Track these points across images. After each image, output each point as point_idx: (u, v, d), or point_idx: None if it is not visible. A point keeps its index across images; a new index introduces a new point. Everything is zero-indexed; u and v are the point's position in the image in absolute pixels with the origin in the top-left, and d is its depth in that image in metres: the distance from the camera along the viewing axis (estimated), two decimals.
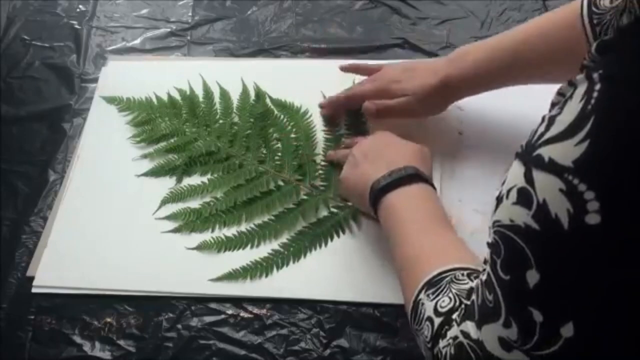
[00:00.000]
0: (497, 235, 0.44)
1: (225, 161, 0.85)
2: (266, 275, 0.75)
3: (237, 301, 0.74)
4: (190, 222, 0.80)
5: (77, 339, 0.73)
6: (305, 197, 0.81)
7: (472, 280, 0.54)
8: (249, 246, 0.78)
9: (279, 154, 0.85)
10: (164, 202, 0.82)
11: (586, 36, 0.66)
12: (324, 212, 0.79)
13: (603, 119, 0.37)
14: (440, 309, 0.53)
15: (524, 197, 0.41)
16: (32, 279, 0.77)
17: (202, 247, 0.78)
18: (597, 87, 0.38)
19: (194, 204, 0.82)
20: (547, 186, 0.39)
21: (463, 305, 0.52)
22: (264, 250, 0.77)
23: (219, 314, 0.74)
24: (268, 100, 0.90)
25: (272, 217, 0.79)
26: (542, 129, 0.41)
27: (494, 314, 0.46)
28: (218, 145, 0.87)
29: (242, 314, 0.73)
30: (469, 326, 0.49)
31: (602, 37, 0.47)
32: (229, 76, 0.93)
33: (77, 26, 1.05)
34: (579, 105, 0.38)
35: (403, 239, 0.63)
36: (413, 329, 0.57)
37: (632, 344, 0.42)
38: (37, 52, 1.02)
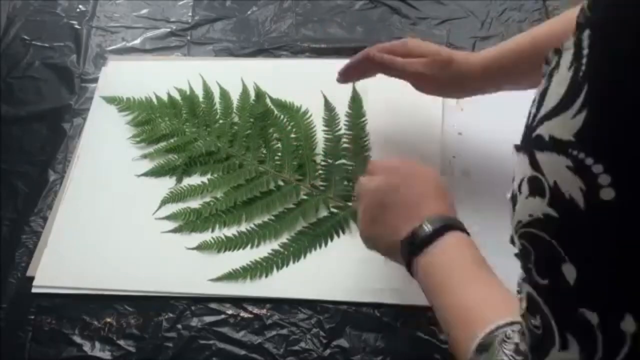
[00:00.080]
0: (522, 239, 0.40)
1: (225, 161, 0.85)
2: (266, 275, 0.75)
3: (237, 301, 0.74)
4: (190, 222, 0.80)
5: (77, 339, 0.73)
6: (305, 197, 0.81)
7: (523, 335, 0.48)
8: (249, 246, 0.78)
9: (279, 154, 0.85)
10: (164, 202, 0.82)
11: None
12: (324, 212, 0.79)
13: (597, 81, 0.34)
14: None
15: (535, 186, 0.38)
16: (32, 279, 0.77)
17: (202, 247, 0.78)
18: (586, 44, 0.35)
19: (194, 204, 0.82)
20: (554, 166, 0.36)
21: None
22: (264, 250, 0.77)
23: (219, 314, 0.74)
24: (268, 100, 0.90)
25: (272, 217, 0.79)
26: (534, 109, 0.39)
27: (547, 340, 0.40)
28: (218, 145, 0.87)
29: (242, 314, 0.73)
30: None
31: None
32: (229, 76, 0.93)
33: (77, 26, 1.05)
34: (568, 74, 0.35)
35: (447, 293, 0.58)
36: None
37: None
38: (37, 52, 1.02)
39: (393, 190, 0.64)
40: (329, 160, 0.84)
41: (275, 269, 0.76)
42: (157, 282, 0.76)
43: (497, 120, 0.85)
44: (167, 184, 0.84)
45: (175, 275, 0.76)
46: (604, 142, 0.34)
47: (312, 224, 0.78)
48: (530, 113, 0.39)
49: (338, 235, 0.77)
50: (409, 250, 0.60)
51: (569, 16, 0.70)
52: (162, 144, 0.88)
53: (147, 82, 0.95)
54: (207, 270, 0.76)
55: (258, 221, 0.79)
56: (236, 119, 0.89)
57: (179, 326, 0.73)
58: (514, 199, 0.41)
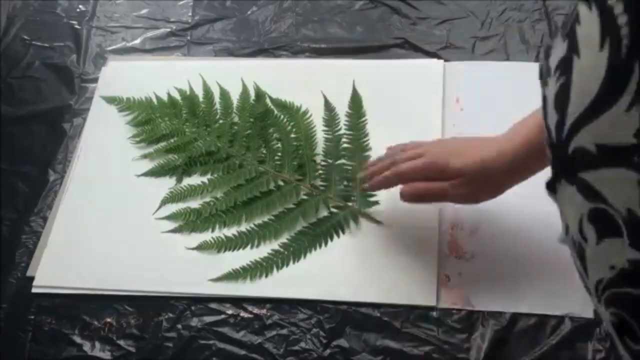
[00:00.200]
0: (611, 305, 0.29)
1: (225, 161, 0.85)
2: (266, 275, 0.75)
3: (237, 301, 0.74)
4: (190, 222, 0.80)
5: (77, 339, 0.73)
6: (305, 197, 0.81)
7: None
8: (249, 246, 0.78)
9: (279, 154, 0.85)
10: (164, 202, 0.82)
11: None
12: (324, 212, 0.79)
13: None
14: None
15: (603, 223, 0.27)
16: (32, 279, 0.77)
17: (202, 247, 0.78)
18: (619, 8, 0.25)
19: (194, 204, 0.82)
20: (619, 187, 0.26)
21: None
22: (264, 250, 0.77)
23: (219, 314, 0.74)
24: (268, 100, 0.90)
25: (272, 217, 0.79)
26: (554, 117, 0.29)
27: None
28: (218, 145, 0.87)
29: (242, 314, 0.73)
30: None
31: None
32: (229, 76, 0.93)
33: (77, 26, 1.05)
34: (601, 55, 0.26)
35: None
36: None
37: None
38: (37, 52, 1.02)
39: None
40: (329, 160, 0.84)
41: (275, 269, 0.76)
42: (157, 282, 0.76)
43: (497, 120, 0.85)
44: (167, 184, 0.84)
45: (175, 275, 0.76)
46: None
47: (312, 224, 0.78)
48: (548, 127, 0.29)
49: (338, 235, 0.77)
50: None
51: None
52: (162, 144, 0.88)
53: (147, 82, 0.95)
54: (207, 270, 0.76)
55: (258, 221, 0.79)
56: (236, 119, 0.89)
57: (179, 326, 0.73)
58: (580, 256, 0.30)
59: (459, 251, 0.75)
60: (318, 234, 0.77)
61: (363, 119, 0.87)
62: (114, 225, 0.81)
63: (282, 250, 0.77)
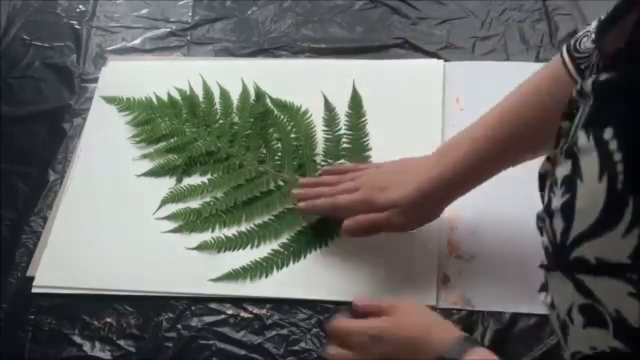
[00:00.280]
0: None
1: (225, 161, 0.85)
2: (266, 275, 0.75)
3: (237, 301, 0.74)
4: (190, 222, 0.80)
5: (77, 339, 0.73)
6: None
7: None
8: (249, 246, 0.78)
9: (279, 154, 0.85)
10: (164, 202, 0.82)
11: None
12: None
13: None
14: None
15: (593, 316, 0.33)
16: (32, 279, 0.77)
17: (202, 247, 0.78)
18: (614, 146, 0.29)
19: (194, 204, 0.82)
20: (613, 294, 0.31)
21: None
22: (264, 250, 0.77)
23: (219, 314, 0.74)
24: (268, 100, 0.90)
25: (272, 217, 0.79)
26: (559, 223, 0.33)
27: None
28: (218, 145, 0.87)
29: (242, 314, 0.73)
30: None
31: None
32: (229, 76, 0.93)
33: (77, 26, 1.05)
34: (600, 186, 0.30)
35: None
36: None
37: None
38: (37, 52, 1.02)
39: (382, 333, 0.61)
40: (329, 160, 0.84)
41: (275, 269, 0.76)
42: (157, 282, 0.76)
43: None
44: (167, 184, 0.84)
45: (175, 275, 0.76)
46: None
47: (312, 224, 0.78)
48: (551, 227, 0.34)
49: (338, 235, 0.77)
50: None
51: (537, 87, 0.65)
52: (162, 144, 0.88)
53: (147, 82, 0.95)
54: (207, 270, 0.76)
55: (258, 221, 0.79)
56: (236, 119, 0.89)
57: (179, 326, 0.73)
58: (563, 329, 0.36)
59: (459, 251, 0.75)
60: (318, 234, 0.77)
61: (363, 119, 0.87)
62: (114, 226, 0.81)
63: (282, 250, 0.77)
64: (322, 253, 0.76)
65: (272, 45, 0.99)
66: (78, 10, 1.07)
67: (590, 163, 0.30)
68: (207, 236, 0.79)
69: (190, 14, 1.05)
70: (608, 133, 0.30)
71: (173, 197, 0.83)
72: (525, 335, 0.69)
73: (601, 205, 0.30)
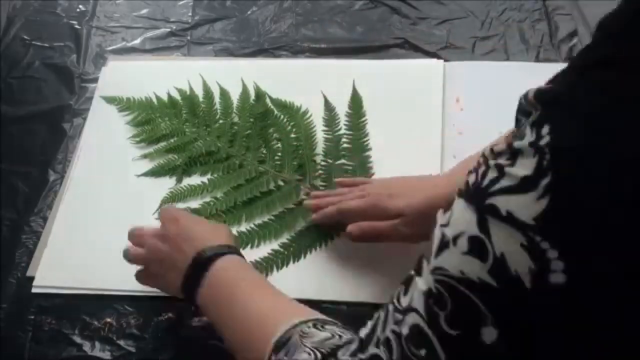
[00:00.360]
0: (441, 285, 0.40)
1: (225, 161, 0.85)
2: (266, 275, 0.75)
3: None
4: None
5: (77, 339, 0.73)
6: (305, 197, 0.81)
7: (319, 329, 0.52)
8: (249, 246, 0.78)
9: (279, 154, 0.85)
10: (164, 202, 0.82)
11: None
12: None
13: (561, 178, 0.35)
14: None
15: (477, 248, 0.38)
16: (32, 279, 0.77)
17: None
18: (545, 141, 0.36)
19: (194, 204, 0.82)
20: (506, 240, 0.36)
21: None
22: (264, 250, 0.77)
23: None
24: (268, 100, 0.90)
25: (272, 217, 0.79)
26: (492, 174, 0.38)
27: None
28: (218, 145, 0.87)
29: None
30: None
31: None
32: (229, 76, 0.93)
33: (77, 26, 1.05)
34: (533, 161, 0.36)
35: (237, 305, 0.60)
36: None
37: None
38: (37, 52, 1.02)
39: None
40: (329, 160, 0.84)
41: (275, 269, 0.76)
42: None
43: (497, 120, 0.85)
44: (167, 184, 0.84)
45: None
46: (563, 231, 0.35)
47: (312, 224, 0.78)
48: (485, 174, 0.39)
49: (338, 235, 0.77)
50: (194, 272, 0.62)
51: None
52: (162, 144, 0.88)
53: (147, 82, 0.95)
54: None
55: (258, 221, 0.79)
56: (236, 119, 0.89)
57: (179, 326, 0.73)
58: (442, 244, 0.41)
59: None
60: (318, 234, 0.77)
61: (363, 119, 0.87)
62: (114, 225, 0.81)
63: (282, 250, 0.77)
64: (322, 253, 0.76)
65: (272, 45, 0.99)
66: (78, 10, 1.07)
67: (528, 142, 0.36)
68: None
69: (190, 14, 1.05)
70: (545, 131, 0.36)
71: (173, 197, 0.83)
72: None
73: (529, 173, 0.36)
